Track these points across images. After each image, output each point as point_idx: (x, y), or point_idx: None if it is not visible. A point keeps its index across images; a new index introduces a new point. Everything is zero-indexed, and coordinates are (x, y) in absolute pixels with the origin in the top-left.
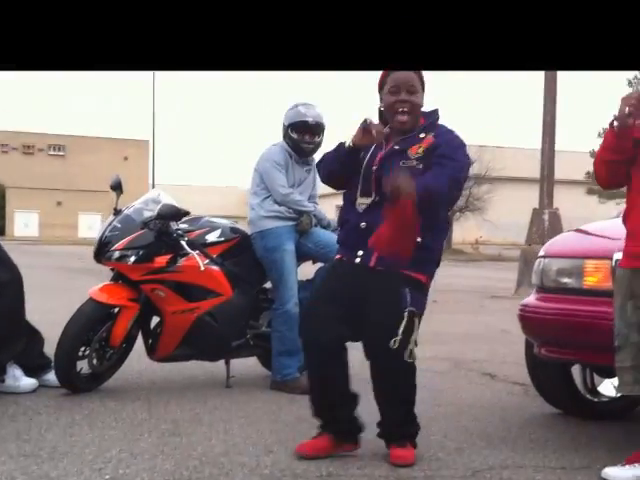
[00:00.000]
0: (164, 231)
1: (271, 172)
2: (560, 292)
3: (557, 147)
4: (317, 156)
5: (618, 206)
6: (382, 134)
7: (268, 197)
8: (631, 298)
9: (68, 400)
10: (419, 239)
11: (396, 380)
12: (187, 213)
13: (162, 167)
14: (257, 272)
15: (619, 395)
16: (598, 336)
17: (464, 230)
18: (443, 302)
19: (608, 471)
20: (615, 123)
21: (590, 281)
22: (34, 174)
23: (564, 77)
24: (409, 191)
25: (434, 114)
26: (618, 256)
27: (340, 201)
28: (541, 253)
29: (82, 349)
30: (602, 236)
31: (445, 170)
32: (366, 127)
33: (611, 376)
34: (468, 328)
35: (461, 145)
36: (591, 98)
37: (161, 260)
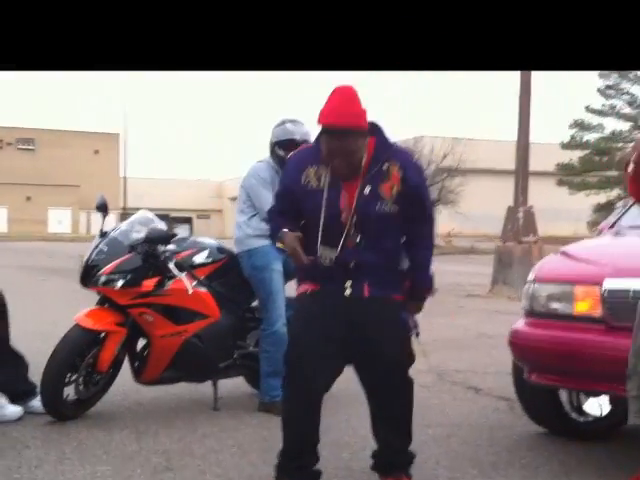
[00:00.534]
0: (151, 254)
1: (257, 190)
2: (550, 318)
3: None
4: None
5: (587, 197)
6: (302, 257)
7: (255, 215)
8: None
9: (55, 430)
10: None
11: (404, 406)
12: (174, 236)
13: (133, 160)
14: (244, 291)
15: (604, 415)
16: (589, 364)
17: (437, 223)
18: None
19: None
20: (630, 167)
21: (580, 307)
22: (3, 169)
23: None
24: None
25: (381, 132)
26: (608, 282)
27: None
28: (530, 277)
29: (68, 375)
30: (591, 261)
31: (426, 229)
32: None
33: (596, 395)
34: (447, 334)
35: (424, 173)
36: (562, 89)
37: (149, 284)
